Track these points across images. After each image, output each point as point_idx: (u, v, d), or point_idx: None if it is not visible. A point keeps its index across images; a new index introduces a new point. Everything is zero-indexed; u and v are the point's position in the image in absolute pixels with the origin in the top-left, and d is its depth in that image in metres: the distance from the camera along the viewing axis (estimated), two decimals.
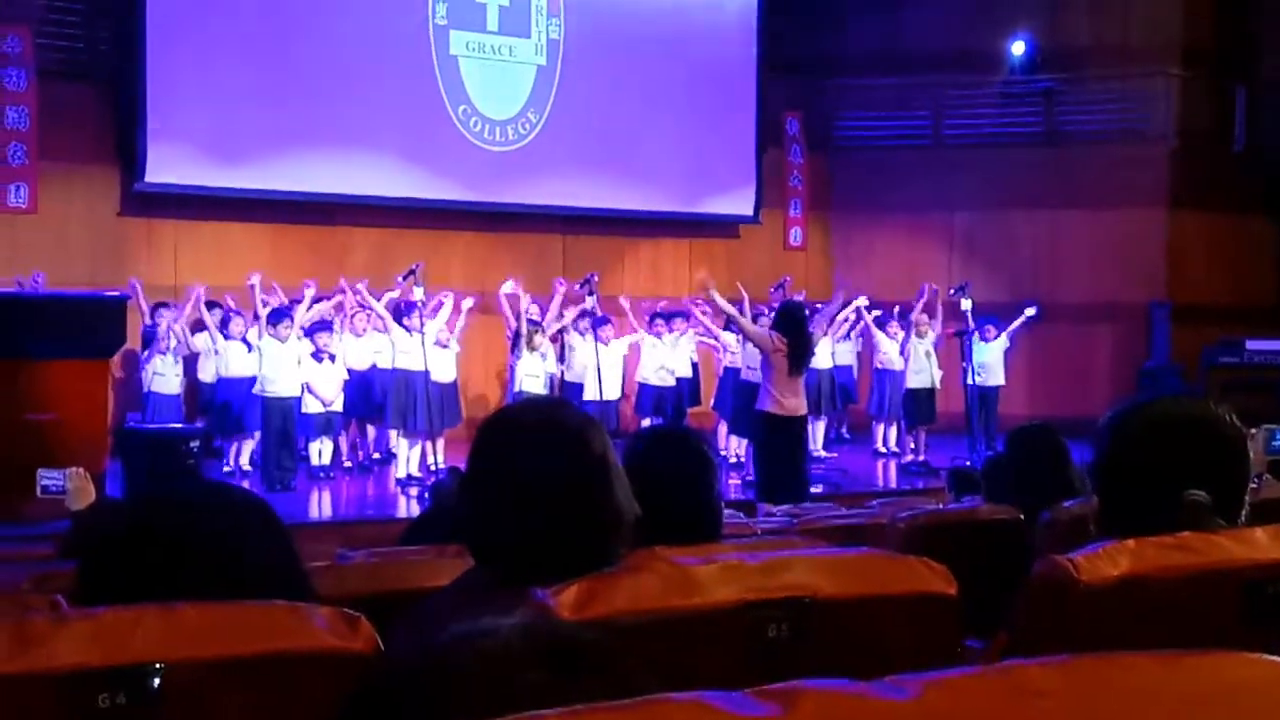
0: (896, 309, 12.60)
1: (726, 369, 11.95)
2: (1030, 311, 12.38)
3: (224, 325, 10.66)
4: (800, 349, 8.77)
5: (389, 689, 0.85)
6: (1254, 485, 2.11)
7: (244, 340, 10.47)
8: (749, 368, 10.69)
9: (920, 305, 12.14)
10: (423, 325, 10.27)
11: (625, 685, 0.84)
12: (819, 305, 11.99)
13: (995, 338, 12.20)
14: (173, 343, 10.54)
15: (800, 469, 8.87)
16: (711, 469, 2.65)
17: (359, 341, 10.93)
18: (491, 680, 0.82)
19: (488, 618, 0.88)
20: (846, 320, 12.58)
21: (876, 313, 12.53)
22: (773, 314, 9.77)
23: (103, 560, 1.63)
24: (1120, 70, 15.16)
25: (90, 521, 3.53)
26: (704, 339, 12.13)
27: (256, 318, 10.24)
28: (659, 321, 12.14)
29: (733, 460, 11.35)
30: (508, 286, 11.12)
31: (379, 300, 10.80)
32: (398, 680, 0.85)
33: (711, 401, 12.37)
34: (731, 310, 9.81)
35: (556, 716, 0.69)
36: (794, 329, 8.82)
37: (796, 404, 8.81)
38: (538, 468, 1.82)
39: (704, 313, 11.52)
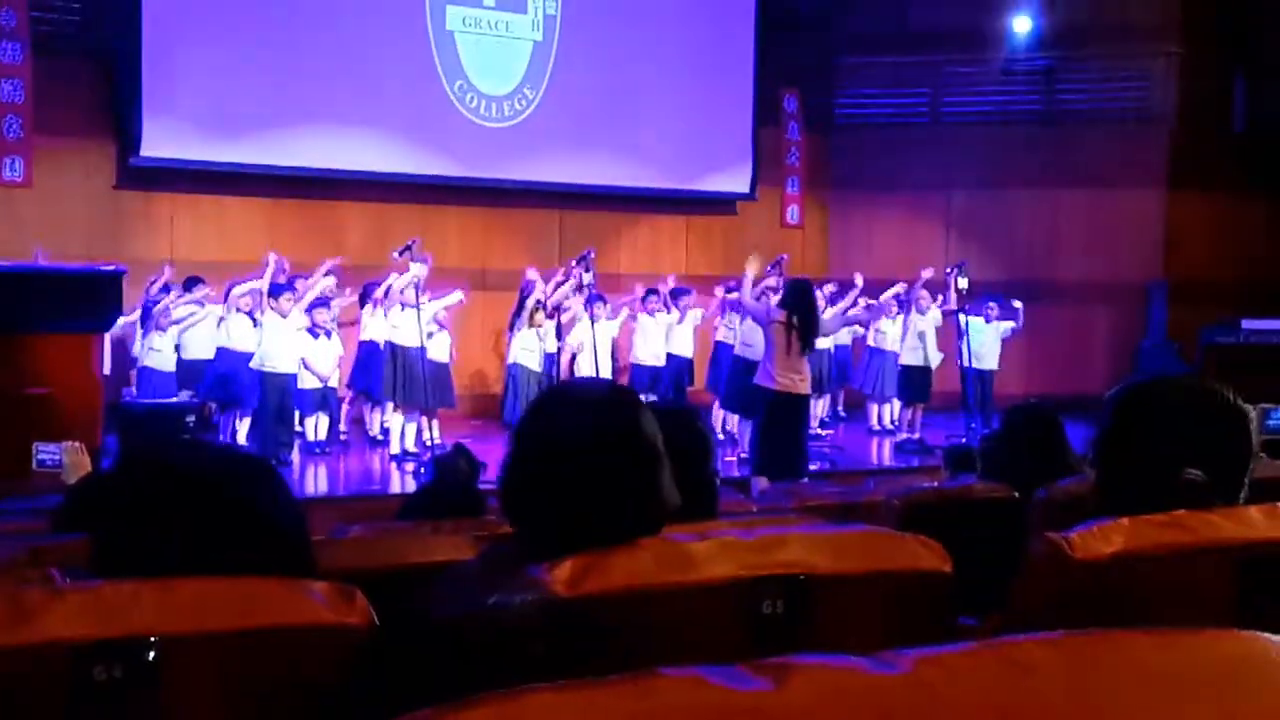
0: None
1: (719, 344, 11.94)
2: (1018, 304, 12.43)
3: (225, 297, 10.64)
4: (807, 327, 8.60)
5: (398, 660, 0.85)
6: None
7: (249, 315, 10.46)
8: (745, 344, 10.68)
9: (919, 285, 12.13)
10: (418, 302, 10.26)
11: (622, 660, 0.84)
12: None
13: (995, 318, 12.23)
14: (180, 322, 10.55)
15: (799, 447, 8.78)
16: (707, 446, 2.65)
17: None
18: (497, 655, 0.82)
19: (498, 594, 0.89)
20: (860, 306, 12.47)
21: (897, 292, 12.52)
22: (780, 291, 9.56)
23: (128, 528, 1.63)
24: (1120, 49, 15.12)
25: (91, 493, 3.52)
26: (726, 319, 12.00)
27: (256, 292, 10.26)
28: (652, 299, 12.11)
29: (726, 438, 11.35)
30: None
31: (384, 279, 10.81)
32: (408, 650, 0.85)
33: (705, 379, 12.35)
34: (746, 283, 9.61)
35: (555, 689, 0.69)
36: (802, 306, 8.67)
37: (799, 381, 8.64)
38: (588, 446, 1.80)
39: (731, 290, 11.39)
